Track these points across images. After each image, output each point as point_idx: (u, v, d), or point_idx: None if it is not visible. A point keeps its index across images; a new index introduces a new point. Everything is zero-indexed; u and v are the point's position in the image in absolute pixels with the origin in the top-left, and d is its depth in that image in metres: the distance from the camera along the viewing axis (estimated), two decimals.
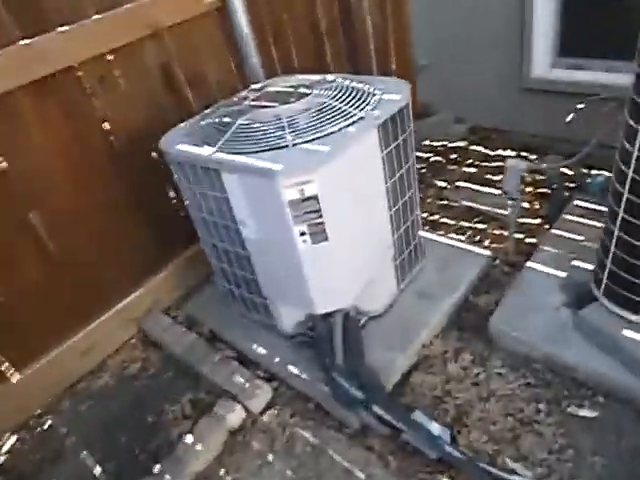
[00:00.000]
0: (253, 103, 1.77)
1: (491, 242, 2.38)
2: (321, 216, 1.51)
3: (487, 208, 2.59)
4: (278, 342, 1.97)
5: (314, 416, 1.83)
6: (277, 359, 1.94)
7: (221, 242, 1.85)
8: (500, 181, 2.74)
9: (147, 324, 2.27)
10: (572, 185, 2.55)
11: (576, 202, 2.35)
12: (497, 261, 2.26)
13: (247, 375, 1.92)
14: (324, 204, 1.49)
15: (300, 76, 1.96)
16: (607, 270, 1.68)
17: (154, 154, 2.12)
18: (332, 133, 1.52)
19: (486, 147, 3.04)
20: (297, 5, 2.50)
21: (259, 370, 1.98)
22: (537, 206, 2.53)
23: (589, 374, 1.72)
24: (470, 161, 2.97)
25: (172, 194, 2.26)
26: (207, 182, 1.67)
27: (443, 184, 2.84)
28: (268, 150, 1.51)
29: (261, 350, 1.98)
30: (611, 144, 1.93)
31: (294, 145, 1.49)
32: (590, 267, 1.92)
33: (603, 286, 1.73)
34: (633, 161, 1.44)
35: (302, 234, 1.54)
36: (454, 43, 2.92)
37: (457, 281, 2.11)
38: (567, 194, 2.43)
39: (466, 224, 2.53)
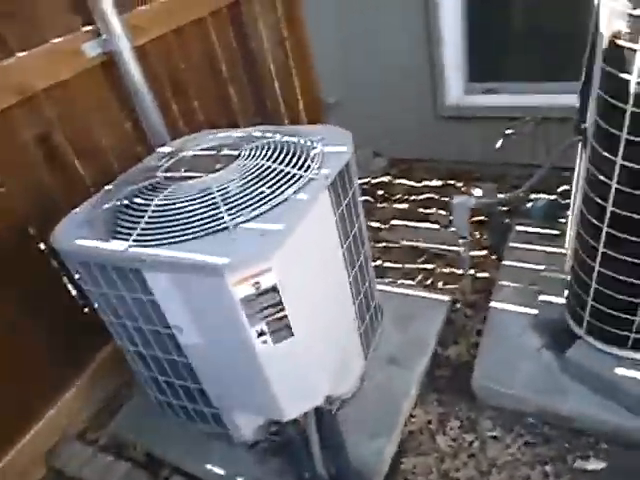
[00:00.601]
0: (168, 174, 1.45)
1: (444, 283, 2.22)
2: (283, 309, 1.22)
3: (429, 245, 2.44)
4: (236, 455, 1.61)
5: None
6: (220, 471, 1.58)
7: (150, 350, 1.47)
8: (433, 214, 2.65)
9: (59, 459, 1.79)
10: (507, 209, 2.50)
11: (518, 228, 2.28)
12: (458, 304, 2.10)
13: None
14: (285, 294, 1.20)
15: (218, 133, 1.66)
16: (589, 307, 1.56)
17: (42, 246, 1.70)
18: (280, 204, 1.25)
19: (410, 179, 2.93)
20: (194, 51, 2.21)
21: None
22: (478, 236, 2.43)
23: (587, 422, 1.58)
24: (399, 196, 2.83)
25: (73, 291, 1.83)
26: (124, 284, 1.30)
27: (377, 224, 2.66)
28: (203, 236, 1.19)
29: (217, 470, 1.60)
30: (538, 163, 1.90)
31: (236, 226, 1.19)
32: (558, 300, 1.82)
33: (585, 324, 1.61)
34: (612, 195, 1.33)
35: (260, 334, 1.23)
36: (365, 78, 2.80)
37: (424, 337, 1.90)
38: (506, 220, 2.36)
39: (412, 266, 2.36)
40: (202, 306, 1.23)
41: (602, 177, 1.36)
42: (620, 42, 1.20)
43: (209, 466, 1.62)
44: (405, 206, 2.76)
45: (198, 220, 1.23)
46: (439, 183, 2.82)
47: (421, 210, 2.69)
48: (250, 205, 1.24)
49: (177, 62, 2.12)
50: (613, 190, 1.32)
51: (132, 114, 1.90)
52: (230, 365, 1.34)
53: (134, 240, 1.24)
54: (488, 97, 2.61)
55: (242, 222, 1.20)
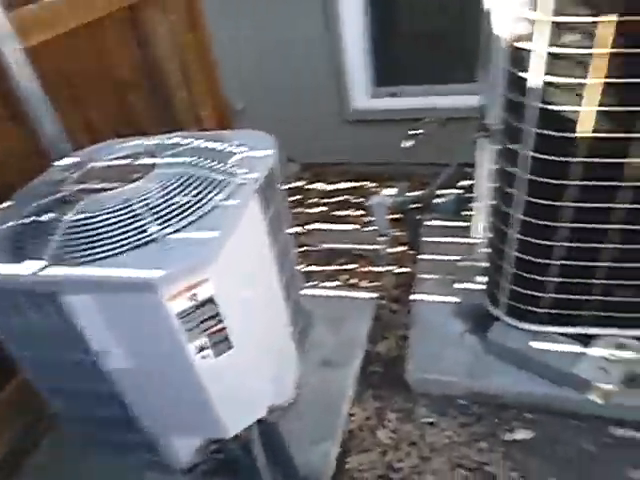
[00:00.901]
0: (79, 187, 1.32)
1: (368, 282, 2.27)
2: (221, 320, 1.16)
3: (349, 246, 2.49)
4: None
5: None
6: None
7: (68, 383, 1.33)
8: (350, 216, 2.71)
9: None
10: (418, 206, 2.62)
11: (428, 223, 2.40)
12: (384, 301, 2.15)
13: None
14: (223, 305, 1.14)
15: (128, 142, 1.55)
16: (506, 290, 1.68)
17: None
18: (209, 211, 1.19)
19: (324, 183, 2.97)
20: (90, 53, 2.05)
21: None
22: (396, 233, 2.52)
23: (512, 396, 1.70)
24: (314, 200, 2.86)
25: None
26: (35, 311, 1.16)
27: (295, 229, 2.66)
28: (127, 251, 1.10)
29: None
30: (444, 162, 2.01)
31: (165, 237, 1.12)
32: (475, 287, 1.94)
33: (502, 305, 1.73)
34: (520, 184, 1.44)
35: (200, 349, 1.16)
36: (275, 83, 2.79)
37: (355, 336, 1.93)
38: (419, 216, 2.47)
39: (334, 267, 2.39)
40: (133, 326, 1.13)
41: (510, 168, 1.47)
42: (519, 44, 1.31)
43: None
44: (321, 209, 2.79)
45: (121, 234, 1.13)
46: (352, 185, 2.89)
47: (337, 213, 2.74)
48: (177, 214, 1.17)
49: (71, 64, 1.96)
50: (522, 179, 1.44)
51: (25, 124, 1.71)
52: (166, 387, 1.25)
53: (47, 260, 1.11)
54: (394, 100, 2.73)
55: (171, 233, 1.13)
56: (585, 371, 1.59)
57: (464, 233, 2.25)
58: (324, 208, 2.78)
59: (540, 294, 1.61)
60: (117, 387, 1.28)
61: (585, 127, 1.29)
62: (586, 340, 1.67)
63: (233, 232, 1.17)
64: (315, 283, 2.29)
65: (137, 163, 1.39)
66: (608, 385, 1.55)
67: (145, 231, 1.13)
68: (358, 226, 2.61)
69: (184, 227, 1.15)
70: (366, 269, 2.34)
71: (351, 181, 2.91)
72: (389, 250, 2.20)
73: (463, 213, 2.33)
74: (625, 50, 1.16)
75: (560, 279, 1.56)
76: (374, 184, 2.82)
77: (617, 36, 1.15)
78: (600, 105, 1.24)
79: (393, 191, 2.30)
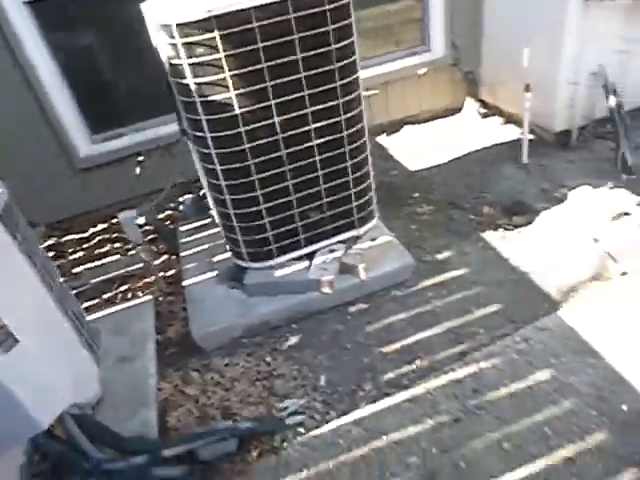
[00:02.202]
0: None
1: (143, 291, 2.56)
2: None
3: (115, 274, 2.72)
4: None
5: None
6: None
7: None
8: (110, 250, 2.94)
9: None
10: (169, 221, 3.02)
11: (182, 228, 2.81)
12: (160, 299, 2.47)
13: None
14: None
15: None
16: (241, 244, 2.19)
17: None
18: None
19: (76, 233, 3.12)
20: None
21: None
22: (155, 248, 2.85)
23: (276, 316, 2.21)
24: (71, 250, 2.99)
25: None
26: None
27: (62, 278, 2.76)
28: None
29: None
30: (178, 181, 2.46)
31: None
32: (225, 256, 2.41)
33: (245, 257, 2.24)
34: (214, 171, 1.96)
35: None
36: None
37: (143, 331, 2.20)
38: (172, 226, 2.86)
39: (108, 294, 2.60)
40: None
41: (206, 164, 2.00)
42: (173, 61, 1.83)
43: None
44: (80, 254, 2.94)
45: None
46: (104, 226, 3.12)
47: (97, 251, 2.94)
48: None
49: None
50: (215, 168, 1.97)
51: None
52: None
53: None
54: (114, 142, 3.07)
55: None
56: (313, 274, 2.20)
57: (209, 226, 2.75)
58: (83, 252, 2.95)
59: (263, 236, 2.16)
60: None
61: (235, 107, 1.87)
62: (310, 256, 2.29)
63: None
64: (99, 310, 2.47)
65: None
66: (330, 277, 2.18)
67: None
68: (119, 256, 2.87)
69: None
70: (139, 283, 2.62)
71: (102, 223, 3.14)
72: (152, 259, 2.52)
73: (205, 210, 2.81)
74: (232, 52, 1.77)
75: (270, 219, 2.14)
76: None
77: (227, 43, 1.75)
78: (236, 89, 1.84)
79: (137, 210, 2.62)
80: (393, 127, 3.77)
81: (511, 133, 3.49)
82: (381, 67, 3.59)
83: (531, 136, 3.23)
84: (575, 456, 1.60)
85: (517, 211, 2.78)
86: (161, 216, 3.09)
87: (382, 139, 3.72)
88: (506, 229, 2.66)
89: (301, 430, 1.80)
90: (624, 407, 1.70)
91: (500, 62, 3.44)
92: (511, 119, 3.57)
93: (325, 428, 1.79)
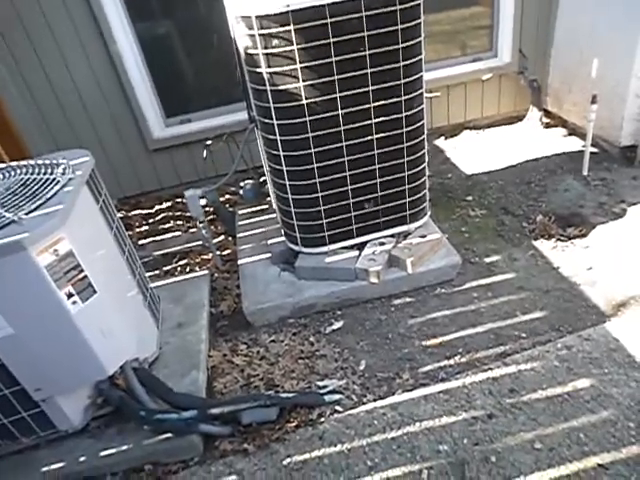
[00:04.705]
0: None
1: (200, 267, 2.72)
2: (82, 270, 1.52)
3: (177, 248, 2.91)
4: (68, 447, 1.75)
5: (154, 478, 1.74)
6: (82, 458, 1.72)
7: None
8: (172, 227, 3.14)
9: None
10: (229, 204, 3.19)
11: (240, 212, 2.97)
12: (215, 275, 2.62)
13: None
14: (80, 257, 1.51)
15: None
16: (296, 229, 2.30)
17: None
18: (52, 197, 1.56)
19: (142, 209, 3.35)
20: None
21: None
22: (214, 228, 3.02)
23: (323, 300, 2.31)
24: (137, 224, 3.21)
25: None
26: None
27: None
28: None
29: (56, 466, 1.70)
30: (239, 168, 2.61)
31: (20, 218, 1.46)
32: (279, 240, 2.53)
33: (299, 241, 2.35)
34: (279, 158, 2.08)
35: (70, 296, 1.50)
36: (74, 130, 3.11)
37: (198, 302, 2.35)
38: (231, 209, 3.03)
39: (170, 266, 2.79)
40: (9, 290, 1.43)
41: (271, 150, 2.12)
42: (249, 51, 1.96)
43: (44, 469, 1.70)
44: (145, 229, 3.16)
45: None
46: (169, 204, 3.33)
47: (161, 227, 3.14)
48: (25, 203, 1.52)
49: None
50: (279, 154, 2.09)
51: None
52: (47, 341, 1.53)
53: None
54: (185, 126, 3.28)
55: (25, 214, 1.48)
56: (362, 264, 2.28)
57: (266, 212, 2.88)
58: (148, 227, 3.16)
59: (318, 223, 2.27)
60: (2, 359, 1.53)
61: (302, 97, 1.98)
62: (361, 246, 2.37)
63: (74, 205, 1.56)
64: (159, 277, 2.66)
65: None
66: (378, 267, 2.26)
67: (1, 218, 1.46)
68: (180, 232, 3.05)
69: (34, 209, 1.50)
70: (198, 259, 2.79)
71: (167, 201, 3.35)
72: (212, 237, 2.68)
73: (263, 196, 2.95)
74: (307, 44, 1.88)
75: (326, 207, 2.24)
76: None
77: (301, 36, 1.86)
78: (304, 81, 1.95)
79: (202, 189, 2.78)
80: (453, 131, 3.79)
81: (574, 145, 3.43)
82: (446, 70, 3.62)
83: (594, 149, 3.18)
84: (608, 465, 1.60)
85: (572, 222, 2.75)
86: (222, 199, 3.27)
87: (441, 142, 3.74)
88: (559, 239, 2.64)
89: (338, 408, 1.88)
90: None
91: (568, 72, 3.39)
92: (575, 131, 3.51)
93: (361, 409, 1.87)
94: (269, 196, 2.80)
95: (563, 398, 1.82)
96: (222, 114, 3.27)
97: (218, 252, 2.76)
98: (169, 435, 1.74)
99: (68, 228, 1.48)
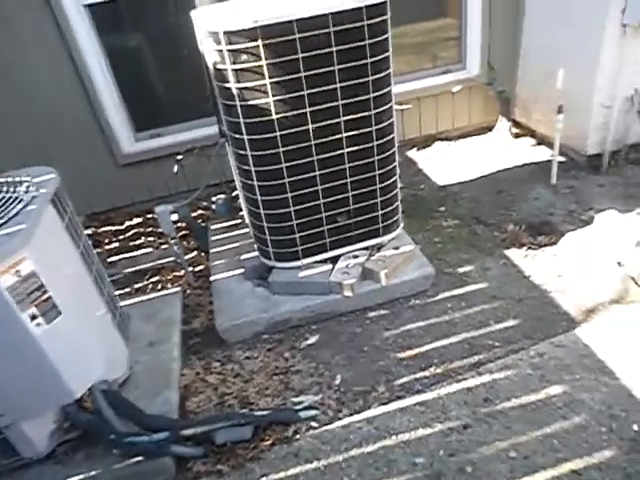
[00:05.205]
0: None
1: (172, 283, 2.68)
2: (46, 291, 1.48)
3: (147, 265, 2.85)
4: (35, 473, 1.68)
5: None
6: None
7: None
8: (143, 243, 3.09)
9: None
10: (201, 220, 3.16)
11: (213, 227, 2.94)
12: (187, 291, 2.58)
13: None
14: (44, 277, 1.47)
15: None
16: (269, 244, 2.29)
17: None
18: (14, 216, 1.51)
19: (112, 225, 3.29)
20: None
21: None
22: (186, 244, 2.98)
23: (297, 314, 2.29)
24: (107, 240, 3.15)
25: None
26: None
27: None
28: None
29: None
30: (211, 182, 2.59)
31: None
32: (253, 255, 2.51)
33: (272, 256, 2.33)
34: (250, 173, 2.07)
35: (33, 318, 1.45)
36: (37, 146, 3.04)
37: (170, 320, 2.31)
38: (203, 225, 2.99)
39: (141, 284, 2.73)
40: None
41: (242, 165, 2.11)
42: (218, 67, 1.95)
43: None
44: (115, 245, 3.10)
45: None
46: (139, 220, 3.28)
47: (132, 243, 3.09)
48: None
49: None
50: (250, 169, 2.08)
51: None
52: (11, 365, 1.48)
53: None
54: (155, 140, 3.24)
55: None
56: (336, 277, 2.28)
57: (239, 226, 2.86)
58: (118, 244, 3.10)
59: (291, 237, 2.25)
60: None
61: (272, 112, 1.98)
62: (334, 260, 2.37)
63: (38, 224, 1.52)
64: (130, 295, 2.60)
65: None
66: (351, 280, 2.25)
67: None
68: (152, 249, 3.01)
69: None
70: (170, 275, 2.75)
71: (137, 217, 3.30)
72: (183, 254, 2.65)
73: (236, 210, 2.93)
74: (273, 60, 1.88)
75: (299, 222, 2.23)
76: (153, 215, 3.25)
77: (269, 52, 1.87)
78: (274, 96, 1.95)
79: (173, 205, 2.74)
80: (425, 142, 3.84)
81: (542, 154, 3.51)
82: (416, 83, 3.67)
83: (562, 158, 3.26)
84: (582, 470, 1.61)
85: (542, 231, 2.80)
86: (194, 214, 3.23)
87: (413, 153, 3.79)
88: (530, 248, 2.68)
89: (314, 424, 1.86)
90: (635, 427, 1.70)
91: (535, 83, 3.47)
92: (543, 141, 3.59)
93: (337, 424, 1.85)
94: (242, 210, 2.78)
95: (536, 405, 1.84)
96: (193, 128, 3.25)
97: (190, 268, 2.72)
98: (140, 458, 1.69)
99: (31, 248, 1.44)
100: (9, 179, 1.77)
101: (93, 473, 1.67)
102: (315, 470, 1.70)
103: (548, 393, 1.87)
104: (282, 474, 1.70)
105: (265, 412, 1.84)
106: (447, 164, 3.60)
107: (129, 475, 1.69)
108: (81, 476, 1.67)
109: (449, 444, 1.73)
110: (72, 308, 1.59)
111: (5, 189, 1.67)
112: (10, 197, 1.60)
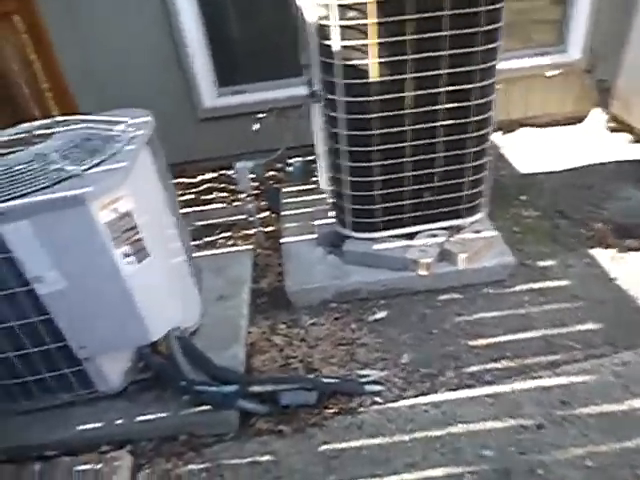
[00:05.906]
0: None
1: (242, 241, 2.68)
2: (138, 232, 1.49)
3: (220, 220, 2.87)
4: (105, 407, 1.74)
5: (188, 448, 1.72)
6: (119, 421, 1.71)
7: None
8: (216, 198, 3.10)
9: None
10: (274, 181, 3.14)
11: (285, 190, 2.91)
12: (257, 250, 2.58)
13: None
14: (138, 218, 1.47)
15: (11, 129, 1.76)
16: (348, 212, 2.23)
17: None
18: (114, 154, 1.52)
19: (187, 177, 3.31)
20: None
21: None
22: (258, 203, 2.97)
23: (368, 287, 2.24)
24: (180, 192, 3.18)
25: None
26: None
27: None
28: (53, 185, 1.38)
29: (92, 425, 1.70)
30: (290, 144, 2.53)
31: (83, 172, 1.42)
32: (328, 221, 2.46)
33: (348, 225, 2.28)
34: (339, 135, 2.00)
35: (126, 256, 1.47)
36: (123, 92, 3.07)
37: (240, 277, 2.32)
38: (276, 186, 2.97)
39: (212, 238, 2.75)
40: (67, 243, 1.40)
41: (331, 127, 2.04)
42: (322, 22, 1.87)
43: (81, 427, 1.69)
44: (189, 197, 3.13)
45: (42, 175, 1.40)
46: (213, 175, 3.29)
47: (204, 197, 3.11)
48: (88, 157, 1.48)
49: None
50: (339, 133, 2.01)
51: None
52: (97, 299, 1.51)
53: None
54: (237, 97, 3.21)
55: (87, 169, 1.44)
56: (412, 254, 2.20)
57: (313, 192, 2.81)
58: (192, 196, 3.13)
59: (371, 207, 2.19)
60: (51, 312, 1.51)
61: (372, 75, 1.89)
62: (410, 236, 2.29)
63: (135, 164, 1.52)
64: (199, 248, 2.63)
65: (35, 135, 1.65)
66: (429, 259, 2.17)
67: (64, 170, 1.42)
68: (225, 205, 3.01)
69: (96, 165, 1.47)
70: (240, 233, 2.75)
71: (212, 171, 3.31)
72: (256, 213, 2.63)
73: (310, 175, 2.88)
74: (385, 19, 1.78)
75: (382, 192, 2.15)
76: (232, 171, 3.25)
77: (378, 10, 1.77)
78: (376, 58, 1.85)
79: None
80: (510, 127, 3.64)
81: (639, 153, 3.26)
82: (508, 63, 3.45)
83: None
84: None
85: (632, 234, 2.60)
86: (266, 175, 3.21)
87: (496, 137, 3.60)
88: (618, 250, 2.50)
89: (378, 400, 1.83)
90: None
91: None
92: None
93: (402, 403, 1.81)
94: (316, 176, 2.72)
95: (617, 416, 1.72)
96: (276, 88, 3.19)
97: (261, 228, 2.71)
98: (206, 408, 1.71)
99: (129, 187, 1.44)
100: (108, 118, 1.78)
101: (161, 415, 1.71)
102: (379, 446, 1.66)
103: (632, 405, 1.75)
104: (344, 444, 1.68)
105: (331, 380, 1.82)
106: (532, 151, 3.39)
107: (194, 423, 1.72)
108: (150, 416, 1.71)
109: (520, 442, 1.66)
110: (158, 252, 1.59)
111: (104, 127, 1.67)
112: (110, 136, 1.61)
